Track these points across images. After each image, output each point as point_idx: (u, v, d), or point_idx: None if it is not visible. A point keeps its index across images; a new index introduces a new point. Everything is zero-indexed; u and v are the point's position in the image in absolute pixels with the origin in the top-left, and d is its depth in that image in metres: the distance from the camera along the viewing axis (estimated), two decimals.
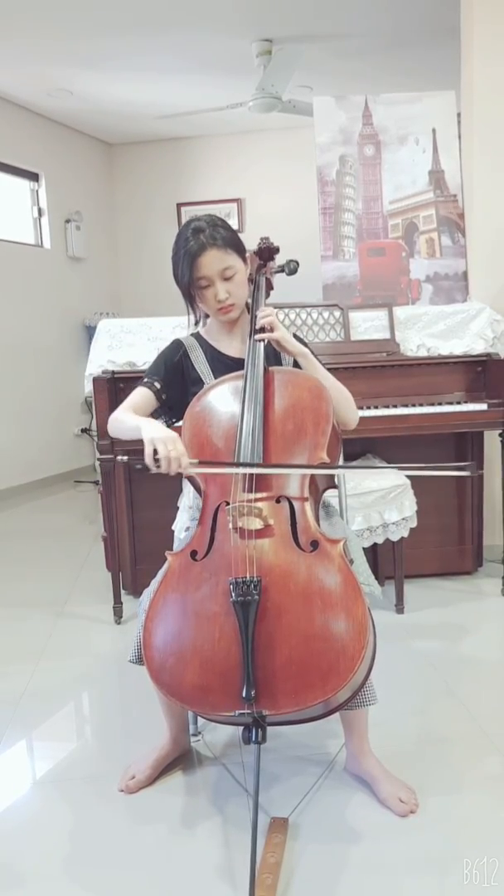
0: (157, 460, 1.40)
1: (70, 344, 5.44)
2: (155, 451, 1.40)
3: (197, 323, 1.71)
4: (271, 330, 1.57)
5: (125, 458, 1.43)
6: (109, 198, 6.09)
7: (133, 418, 1.55)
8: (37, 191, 5.32)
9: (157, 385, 1.66)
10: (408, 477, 2.48)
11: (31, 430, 5.00)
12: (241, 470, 1.43)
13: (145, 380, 1.68)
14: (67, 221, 5.49)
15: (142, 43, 4.10)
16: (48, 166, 5.32)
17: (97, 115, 5.32)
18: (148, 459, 1.40)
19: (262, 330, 1.58)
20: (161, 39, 4.07)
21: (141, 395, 1.66)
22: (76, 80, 4.62)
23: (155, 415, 1.69)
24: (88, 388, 2.63)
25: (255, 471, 1.43)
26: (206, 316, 1.73)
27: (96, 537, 3.54)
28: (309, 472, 1.44)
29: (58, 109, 5.16)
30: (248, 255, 1.66)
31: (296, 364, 1.66)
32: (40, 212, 5.34)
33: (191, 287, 1.59)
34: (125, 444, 2.45)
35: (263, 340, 1.57)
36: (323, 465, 1.45)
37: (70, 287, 5.51)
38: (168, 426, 1.69)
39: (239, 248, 1.61)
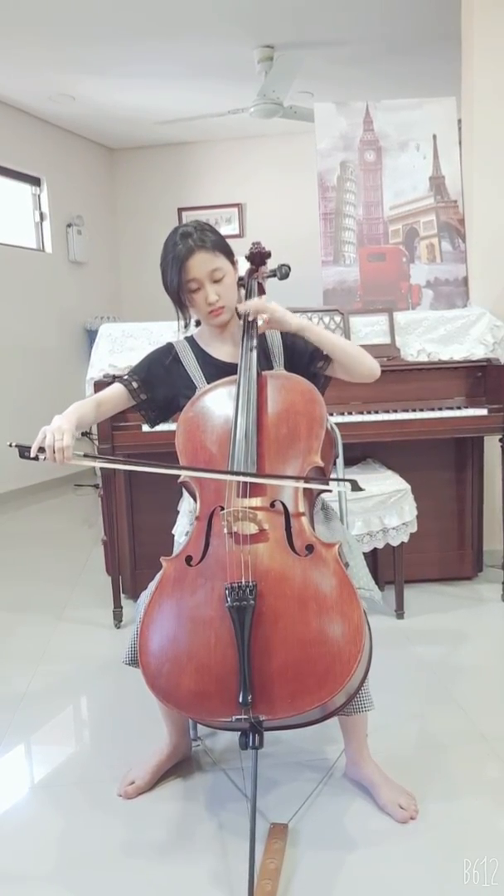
0: (42, 449, 1.43)
1: (71, 348, 5.45)
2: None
3: (186, 326, 1.71)
4: (264, 316, 1.56)
5: (13, 444, 1.45)
6: (111, 202, 6.10)
7: (71, 407, 1.57)
8: (38, 195, 5.33)
9: (135, 384, 1.67)
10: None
11: (31, 434, 4.99)
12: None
13: (124, 376, 1.69)
14: (69, 226, 5.50)
15: (144, 49, 4.12)
16: (50, 171, 5.33)
17: (99, 120, 5.33)
18: (34, 445, 1.43)
19: (255, 322, 1.57)
20: (163, 45, 4.08)
21: (112, 390, 1.68)
22: (78, 85, 4.64)
23: (140, 412, 1.71)
24: (90, 392, 2.64)
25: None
26: (198, 323, 1.73)
27: (96, 541, 3.54)
28: (222, 477, 1.44)
29: (60, 114, 5.18)
30: (236, 259, 1.66)
31: (288, 366, 1.66)
32: (42, 216, 5.35)
33: (180, 291, 1.59)
34: (126, 449, 2.47)
35: (257, 330, 1.57)
36: (180, 467, 1.50)
37: (71, 291, 5.52)
38: (152, 426, 1.73)
39: (227, 251, 1.61)
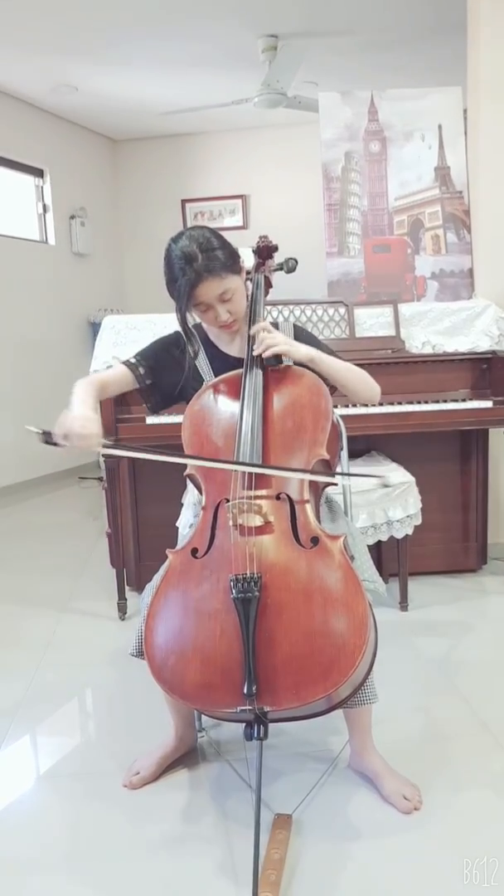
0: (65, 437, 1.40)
1: (75, 340, 5.45)
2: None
3: (195, 354, 1.70)
4: (272, 346, 1.54)
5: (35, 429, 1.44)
6: (114, 194, 6.08)
7: (77, 393, 1.55)
8: (42, 187, 5.32)
9: (141, 370, 1.66)
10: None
11: (34, 425, 5.00)
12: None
13: (131, 359, 1.68)
14: (72, 218, 5.49)
15: (147, 39, 4.09)
16: (53, 162, 5.32)
17: (102, 111, 5.31)
18: (56, 435, 1.41)
19: (262, 344, 1.54)
20: (166, 35, 4.06)
21: (117, 372, 1.67)
22: (81, 76, 4.61)
23: (142, 397, 1.69)
24: None
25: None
26: None
27: (100, 533, 3.55)
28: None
29: (63, 105, 5.16)
30: (242, 263, 1.61)
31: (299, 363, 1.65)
32: (45, 208, 5.34)
33: (188, 311, 1.58)
34: (130, 441, 2.47)
35: (270, 360, 1.55)
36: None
37: (75, 283, 5.51)
38: (154, 412, 1.71)
39: (234, 266, 1.56)
